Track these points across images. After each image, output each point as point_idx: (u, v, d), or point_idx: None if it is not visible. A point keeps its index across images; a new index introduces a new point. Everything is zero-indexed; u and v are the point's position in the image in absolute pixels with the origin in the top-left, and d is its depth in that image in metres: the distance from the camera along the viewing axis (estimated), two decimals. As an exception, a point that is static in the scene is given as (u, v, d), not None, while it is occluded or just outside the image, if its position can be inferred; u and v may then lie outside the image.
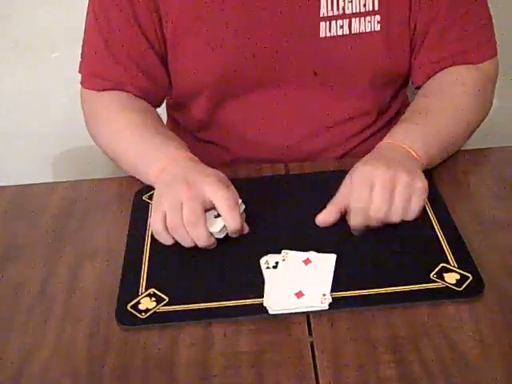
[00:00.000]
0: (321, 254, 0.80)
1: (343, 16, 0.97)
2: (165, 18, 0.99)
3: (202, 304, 0.75)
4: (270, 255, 0.80)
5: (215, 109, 1.06)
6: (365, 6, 0.98)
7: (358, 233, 0.82)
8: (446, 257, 0.79)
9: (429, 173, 0.87)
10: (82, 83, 1.04)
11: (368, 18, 0.98)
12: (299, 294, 0.75)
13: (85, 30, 1.03)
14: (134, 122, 0.97)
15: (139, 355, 0.71)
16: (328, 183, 0.87)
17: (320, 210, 0.84)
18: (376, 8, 0.98)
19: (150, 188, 0.90)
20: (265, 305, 0.74)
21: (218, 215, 0.81)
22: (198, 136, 1.12)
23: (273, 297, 0.75)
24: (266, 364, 0.69)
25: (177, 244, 0.81)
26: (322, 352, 0.70)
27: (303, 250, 0.80)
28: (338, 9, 0.97)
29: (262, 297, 0.75)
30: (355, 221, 0.81)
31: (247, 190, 0.85)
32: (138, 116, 0.98)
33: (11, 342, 0.74)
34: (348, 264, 0.78)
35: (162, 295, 0.76)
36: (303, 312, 0.74)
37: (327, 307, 0.74)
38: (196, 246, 0.80)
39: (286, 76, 1.02)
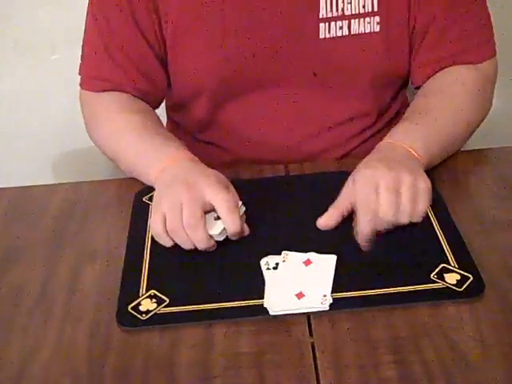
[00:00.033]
0: (321, 255, 0.80)
1: (342, 17, 0.97)
2: (164, 18, 0.99)
3: (202, 305, 0.75)
4: (270, 256, 0.80)
5: (215, 109, 1.06)
6: (364, 7, 0.98)
7: (367, 248, 0.79)
8: (447, 257, 0.79)
9: (429, 173, 0.86)
10: (81, 85, 1.04)
11: (367, 19, 0.98)
12: (300, 295, 0.75)
13: (84, 31, 1.03)
14: (133, 122, 0.97)
15: (140, 356, 0.71)
16: (328, 184, 0.87)
17: (320, 211, 0.84)
18: (375, 9, 0.98)
19: (150, 189, 0.90)
20: (265, 306, 0.74)
21: (218, 217, 0.81)
22: (197, 137, 1.12)
23: (273, 298, 0.75)
24: (266, 365, 0.69)
25: (177, 245, 0.81)
26: (323, 353, 0.70)
27: (303, 251, 0.80)
28: (337, 10, 0.97)
29: (263, 298, 0.75)
30: (364, 226, 0.79)
31: (247, 191, 0.85)
32: (137, 117, 0.98)
33: (12, 343, 0.74)
34: (348, 265, 0.78)
35: (163, 296, 0.76)
36: (304, 313, 0.74)
37: (328, 308, 0.74)
38: (196, 248, 0.80)
39: (286, 76, 1.02)
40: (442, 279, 0.76)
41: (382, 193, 0.79)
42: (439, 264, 0.78)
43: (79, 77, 1.04)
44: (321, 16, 0.97)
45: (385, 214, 0.79)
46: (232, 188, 0.84)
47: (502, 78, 1.07)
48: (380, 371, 0.67)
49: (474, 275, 0.76)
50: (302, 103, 1.04)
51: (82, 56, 1.04)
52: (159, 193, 0.85)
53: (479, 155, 1.01)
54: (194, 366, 0.69)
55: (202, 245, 0.80)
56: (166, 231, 0.80)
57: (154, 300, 0.76)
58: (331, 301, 0.74)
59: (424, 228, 0.82)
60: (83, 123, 1.05)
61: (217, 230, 0.80)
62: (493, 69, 1.04)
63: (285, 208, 0.89)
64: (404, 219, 0.80)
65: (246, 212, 0.83)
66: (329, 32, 0.98)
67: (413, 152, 0.87)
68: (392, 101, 1.11)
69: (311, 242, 0.82)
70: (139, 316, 0.74)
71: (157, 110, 1.06)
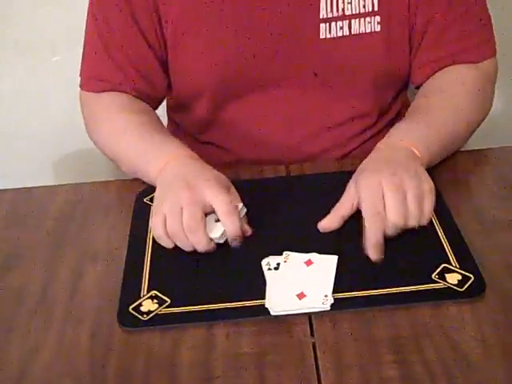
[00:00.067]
0: (322, 255, 0.80)
1: (343, 17, 0.98)
2: (164, 18, 0.99)
3: (203, 306, 0.75)
4: (271, 257, 0.80)
5: (216, 109, 1.06)
6: (364, 6, 0.98)
7: (379, 259, 0.78)
8: (448, 257, 0.79)
9: (429, 173, 0.86)
10: (81, 86, 1.04)
11: (368, 19, 0.98)
12: (301, 295, 0.75)
13: (85, 32, 1.03)
14: (133, 122, 0.97)
15: (141, 357, 0.71)
16: (329, 184, 0.87)
17: (322, 212, 0.84)
18: (376, 9, 0.98)
19: (151, 190, 0.90)
20: (266, 306, 0.74)
21: (219, 220, 0.81)
22: (198, 137, 1.12)
23: (274, 298, 0.75)
24: (267, 365, 0.69)
25: (178, 247, 0.81)
26: (324, 353, 0.70)
27: (305, 252, 0.80)
28: (337, 10, 0.97)
29: (264, 298, 0.75)
30: (373, 233, 0.78)
31: (248, 191, 0.85)
32: (137, 117, 0.98)
33: (13, 344, 0.74)
34: (350, 265, 0.78)
35: (164, 297, 0.76)
36: (305, 313, 0.74)
37: (329, 308, 0.74)
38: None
39: (286, 77, 1.02)
40: (444, 279, 0.76)
41: (388, 199, 0.79)
42: (440, 264, 0.78)
43: (79, 77, 1.04)
44: (321, 16, 0.97)
45: (393, 219, 0.78)
46: (233, 189, 0.84)
47: (502, 78, 1.07)
48: (381, 371, 0.67)
49: (475, 275, 0.76)
50: (302, 103, 1.04)
51: (82, 56, 1.04)
52: (160, 193, 0.85)
53: (479, 155, 1.01)
54: (196, 367, 0.69)
55: (201, 247, 0.79)
56: (167, 233, 0.80)
57: (155, 301, 0.76)
58: (332, 301, 0.74)
59: (425, 228, 0.82)
60: (83, 124, 1.05)
61: (217, 232, 0.80)
62: (493, 68, 1.04)
63: (286, 208, 0.88)
64: (412, 223, 0.80)
65: (246, 213, 0.83)
66: (329, 32, 0.98)
67: (414, 150, 0.87)
68: (393, 101, 1.11)
69: (312, 242, 0.82)
70: (140, 317, 0.74)
71: (157, 111, 1.07)
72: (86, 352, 0.72)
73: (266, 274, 0.78)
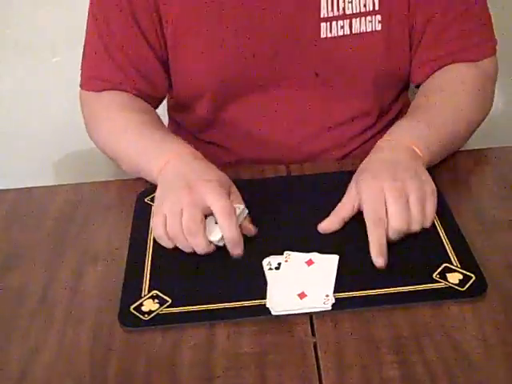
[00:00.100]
0: (323, 255, 0.80)
1: (344, 16, 0.98)
2: (165, 18, 0.99)
3: (204, 305, 0.75)
4: (272, 256, 0.80)
5: (216, 109, 1.06)
6: (365, 6, 0.98)
7: (382, 264, 0.77)
8: (449, 257, 0.79)
9: (430, 172, 0.87)
10: (81, 86, 1.04)
11: (369, 18, 0.98)
12: (302, 295, 0.75)
13: (86, 32, 1.03)
14: (134, 121, 0.97)
15: (142, 357, 0.71)
16: (330, 184, 0.87)
17: (322, 212, 0.84)
18: (376, 8, 0.98)
19: (152, 190, 0.89)
20: (267, 306, 0.74)
21: None
22: (199, 137, 1.12)
23: (275, 298, 0.75)
24: (268, 365, 0.69)
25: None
26: (325, 353, 0.70)
27: (306, 251, 0.80)
28: (338, 9, 0.97)
29: (265, 298, 0.75)
30: (377, 239, 0.78)
31: (249, 191, 0.85)
32: (137, 115, 0.98)
33: (14, 345, 0.74)
34: (351, 265, 0.78)
35: (165, 297, 0.76)
36: (306, 313, 0.74)
37: (330, 308, 0.73)
38: None
39: (287, 77, 1.02)
40: (445, 279, 0.76)
41: (390, 205, 0.79)
42: (441, 264, 0.78)
43: (79, 77, 1.04)
44: (322, 16, 0.97)
45: (396, 226, 0.78)
46: (234, 188, 0.84)
47: (502, 78, 1.07)
48: (382, 371, 0.67)
49: (477, 275, 0.76)
50: (302, 103, 1.04)
51: (82, 56, 1.04)
52: (161, 193, 0.85)
53: (479, 155, 1.01)
54: (196, 366, 0.69)
55: (200, 250, 0.79)
56: (167, 234, 0.80)
57: (156, 300, 0.76)
58: (333, 301, 0.74)
59: (427, 228, 0.82)
60: (83, 123, 1.05)
61: (216, 235, 0.79)
62: (493, 67, 1.04)
63: (287, 208, 0.88)
64: (416, 227, 0.80)
65: (249, 213, 0.83)
66: (330, 31, 0.98)
67: (415, 149, 0.87)
68: (393, 101, 1.11)
69: (313, 242, 0.82)
70: (141, 316, 0.74)
71: (158, 110, 1.06)
72: (86, 352, 0.72)
73: (267, 273, 0.78)
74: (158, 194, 0.85)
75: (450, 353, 0.68)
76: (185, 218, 0.78)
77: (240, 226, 0.81)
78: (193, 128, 1.12)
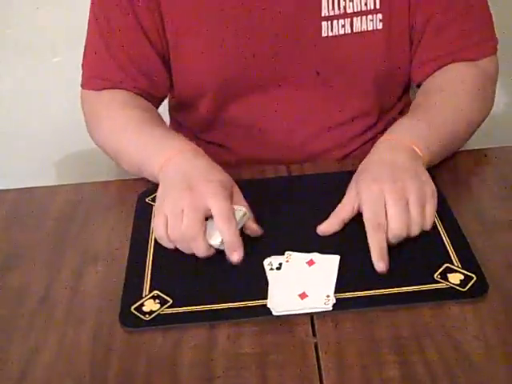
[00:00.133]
0: (324, 255, 0.80)
1: (344, 15, 0.98)
2: (166, 17, 0.99)
3: (205, 306, 0.75)
4: (273, 257, 0.80)
5: (217, 109, 1.06)
6: (366, 4, 0.98)
7: (384, 268, 0.77)
8: (450, 257, 0.79)
9: (430, 172, 0.86)
10: (82, 85, 1.04)
11: (370, 17, 0.98)
12: (303, 296, 0.75)
13: (87, 32, 1.02)
14: (135, 119, 0.97)
15: (143, 357, 0.71)
16: (331, 184, 0.87)
17: (323, 212, 0.84)
18: (377, 6, 0.98)
19: (153, 190, 0.89)
20: (268, 306, 0.74)
21: None
22: (200, 137, 1.12)
23: (276, 298, 0.75)
24: (269, 365, 0.69)
25: (179, 248, 0.81)
26: (326, 353, 0.69)
27: (307, 252, 0.80)
28: (339, 8, 0.97)
29: (266, 298, 0.75)
30: (377, 243, 0.77)
31: (249, 191, 0.85)
32: (139, 113, 0.98)
33: (14, 345, 0.74)
34: (352, 265, 0.78)
35: (166, 297, 0.76)
36: (307, 313, 0.74)
37: (331, 308, 0.73)
38: None
39: (287, 76, 1.02)
40: (446, 279, 0.76)
41: (390, 208, 0.78)
42: (443, 264, 0.78)
43: (80, 77, 1.04)
44: (323, 15, 0.97)
45: (396, 230, 0.78)
46: (237, 188, 0.84)
47: (503, 78, 1.07)
48: (383, 371, 0.67)
49: (478, 275, 0.76)
50: (302, 103, 1.04)
51: (83, 56, 1.04)
52: (162, 192, 0.84)
53: (480, 155, 1.01)
54: (197, 367, 0.69)
55: (200, 254, 0.79)
56: (168, 235, 0.80)
57: (157, 301, 0.76)
58: (334, 301, 0.74)
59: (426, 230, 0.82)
60: (84, 123, 1.05)
61: (216, 239, 0.79)
62: (494, 66, 1.03)
63: (287, 208, 0.88)
64: (415, 230, 0.80)
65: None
66: (331, 30, 0.98)
67: (415, 148, 0.86)
68: (394, 102, 1.11)
69: (314, 242, 0.82)
70: (142, 317, 0.74)
71: (159, 111, 1.06)
72: (86, 352, 0.72)
73: (268, 273, 0.78)
74: (159, 192, 0.85)
75: (451, 353, 0.68)
76: (184, 224, 0.78)
77: (243, 226, 0.82)
78: (194, 128, 1.12)
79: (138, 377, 0.69)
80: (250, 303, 0.75)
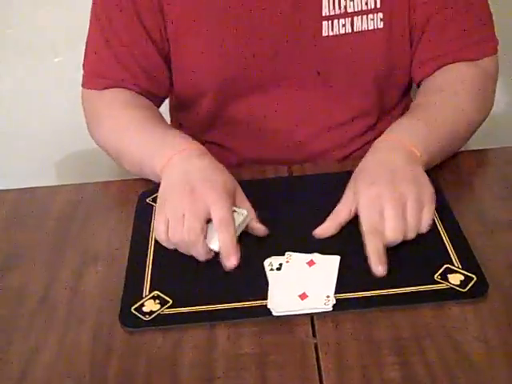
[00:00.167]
0: (324, 256, 0.79)
1: (345, 15, 0.97)
2: (167, 17, 0.99)
3: (205, 306, 0.75)
4: (273, 257, 0.80)
5: (217, 109, 1.06)
6: (367, 4, 0.98)
7: (382, 271, 0.76)
8: (450, 258, 0.79)
9: (431, 173, 0.86)
10: (83, 85, 1.04)
11: (370, 16, 0.98)
12: (303, 296, 0.75)
13: (88, 32, 1.02)
14: (137, 117, 0.97)
15: (143, 357, 0.71)
16: (331, 185, 0.87)
17: (324, 212, 0.84)
18: (378, 6, 0.98)
19: (154, 191, 0.89)
20: (268, 307, 0.74)
21: None
22: (200, 137, 1.12)
23: (276, 299, 0.75)
24: (269, 366, 0.69)
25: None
26: (326, 354, 0.69)
27: (307, 252, 0.80)
28: (339, 7, 0.97)
29: (266, 299, 0.75)
30: (373, 248, 0.77)
31: (250, 192, 0.85)
32: (141, 112, 0.98)
33: (14, 345, 0.74)
34: (352, 265, 0.78)
35: (166, 297, 0.76)
36: (307, 314, 0.74)
37: (331, 309, 0.73)
38: None
39: (287, 76, 1.02)
40: (446, 280, 0.76)
41: (387, 212, 0.78)
42: (443, 265, 0.78)
43: (80, 77, 1.04)
44: (324, 14, 0.97)
45: (392, 237, 0.78)
46: (240, 190, 0.84)
47: (504, 78, 1.07)
48: (383, 372, 0.67)
49: (478, 276, 0.76)
50: (302, 103, 1.04)
51: (84, 56, 1.03)
52: (164, 191, 0.84)
53: (481, 155, 1.01)
54: (197, 367, 0.69)
55: (200, 258, 0.79)
56: (169, 240, 0.80)
57: (157, 301, 0.76)
58: (334, 302, 0.74)
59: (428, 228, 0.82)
60: (84, 123, 1.05)
61: (215, 244, 0.78)
62: (494, 66, 1.03)
63: (288, 209, 0.88)
64: (411, 235, 0.79)
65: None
66: (332, 30, 0.98)
67: (413, 150, 0.86)
68: (395, 103, 1.10)
69: (315, 242, 0.82)
70: (142, 317, 0.74)
71: (160, 111, 1.06)
72: (86, 352, 0.72)
73: (268, 274, 0.78)
74: (160, 191, 0.85)
75: (451, 354, 0.68)
76: (185, 229, 0.78)
77: (248, 227, 0.82)
78: (194, 128, 1.12)
79: (138, 377, 0.69)
80: (250, 304, 0.75)
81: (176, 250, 0.81)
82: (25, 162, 1.57)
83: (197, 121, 1.10)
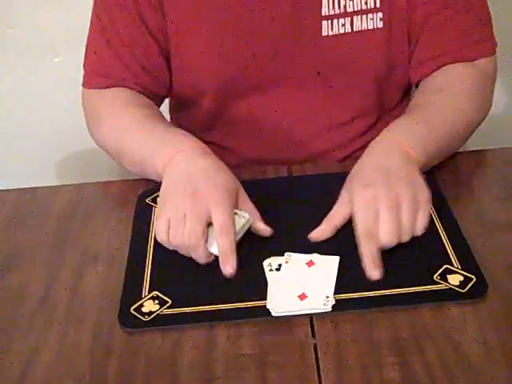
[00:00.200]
0: (324, 256, 0.80)
1: (345, 14, 0.97)
2: (167, 16, 0.99)
3: (205, 306, 0.75)
4: (273, 257, 0.80)
5: (217, 109, 1.06)
6: (366, 3, 0.97)
7: (377, 275, 0.76)
8: (450, 258, 0.79)
9: (431, 174, 0.86)
10: (83, 84, 1.04)
11: (370, 16, 0.98)
12: (302, 296, 0.75)
13: (88, 32, 1.02)
14: (138, 117, 0.97)
15: (142, 358, 0.71)
16: (331, 185, 0.87)
17: (324, 212, 0.84)
18: (378, 5, 0.98)
19: (153, 191, 0.90)
20: (268, 307, 0.74)
21: None
22: (200, 137, 1.12)
23: (276, 299, 0.75)
24: (269, 366, 0.69)
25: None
26: (325, 354, 0.70)
27: (306, 252, 0.80)
28: (339, 7, 0.97)
29: (265, 299, 0.75)
30: (368, 250, 0.77)
31: (250, 192, 0.85)
32: (141, 111, 0.98)
33: (14, 345, 0.74)
34: (351, 266, 0.78)
35: (165, 298, 0.76)
36: (306, 314, 0.74)
37: (330, 309, 0.73)
38: None
39: (287, 76, 1.02)
40: (445, 280, 0.76)
41: (382, 217, 0.78)
42: (442, 265, 0.78)
43: (80, 77, 1.04)
44: (323, 14, 0.97)
45: (386, 241, 0.78)
46: (242, 190, 0.84)
47: (503, 79, 1.07)
48: (382, 372, 0.67)
49: (477, 276, 0.76)
50: (302, 103, 1.04)
51: (85, 55, 1.03)
52: (165, 192, 0.84)
53: (480, 156, 1.01)
54: (197, 367, 0.69)
55: (201, 261, 0.79)
56: (170, 241, 0.80)
57: (156, 301, 0.76)
58: (334, 302, 0.74)
59: (427, 229, 0.82)
60: (84, 123, 1.05)
61: (215, 249, 0.78)
62: (492, 67, 1.03)
63: (288, 209, 0.88)
64: (406, 238, 0.79)
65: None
66: (331, 29, 0.98)
67: (410, 151, 0.86)
68: (395, 103, 1.10)
69: (314, 243, 0.82)
70: (142, 317, 0.74)
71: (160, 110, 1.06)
72: (86, 352, 0.72)
73: (268, 274, 0.78)
74: (162, 190, 0.84)
75: (451, 354, 0.68)
76: (187, 229, 0.78)
77: (252, 229, 0.82)
78: (194, 128, 1.12)
79: (137, 377, 0.69)
80: (249, 304, 0.75)
81: (175, 251, 0.81)
82: (25, 162, 1.57)
83: (197, 121, 1.10)
